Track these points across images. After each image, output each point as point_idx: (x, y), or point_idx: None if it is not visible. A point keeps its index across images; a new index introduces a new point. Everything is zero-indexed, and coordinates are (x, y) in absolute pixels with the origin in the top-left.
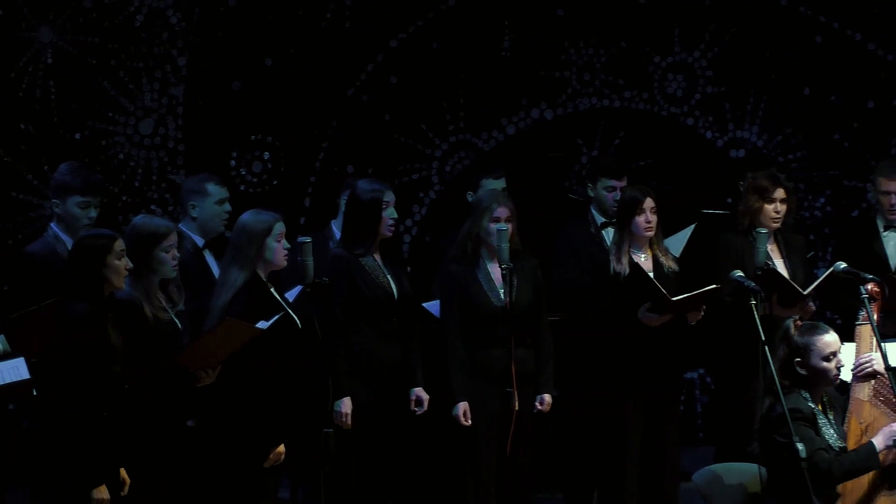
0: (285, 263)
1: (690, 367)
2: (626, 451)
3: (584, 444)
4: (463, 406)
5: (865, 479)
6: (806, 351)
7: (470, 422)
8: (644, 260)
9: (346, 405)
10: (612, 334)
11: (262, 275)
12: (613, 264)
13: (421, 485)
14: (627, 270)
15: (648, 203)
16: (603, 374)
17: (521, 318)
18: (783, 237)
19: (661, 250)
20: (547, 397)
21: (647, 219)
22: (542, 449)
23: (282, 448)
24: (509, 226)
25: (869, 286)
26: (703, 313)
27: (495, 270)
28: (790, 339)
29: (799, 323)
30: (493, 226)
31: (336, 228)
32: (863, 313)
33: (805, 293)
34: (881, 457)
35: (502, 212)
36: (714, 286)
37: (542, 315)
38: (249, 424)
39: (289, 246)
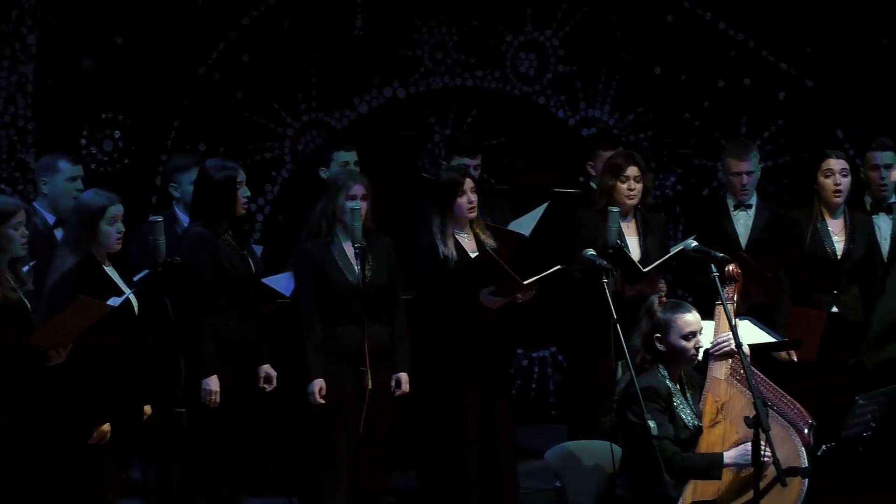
0: (118, 247)
1: (536, 346)
2: (465, 433)
3: (429, 426)
4: (318, 384)
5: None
6: (666, 328)
7: (323, 400)
8: (467, 240)
9: (213, 383)
10: (447, 316)
11: (98, 255)
12: (441, 248)
13: (278, 465)
14: (454, 253)
15: (468, 184)
16: (440, 356)
17: (376, 297)
18: (642, 216)
19: (481, 229)
20: (403, 376)
21: (468, 199)
22: (396, 428)
23: (107, 427)
24: (364, 204)
25: (731, 267)
26: (534, 292)
27: (350, 248)
28: (653, 315)
29: (664, 300)
30: (348, 204)
31: (179, 211)
32: (724, 292)
33: (644, 271)
34: (726, 472)
35: (358, 189)
36: (560, 266)
37: (397, 293)
38: (73, 402)
39: (123, 230)
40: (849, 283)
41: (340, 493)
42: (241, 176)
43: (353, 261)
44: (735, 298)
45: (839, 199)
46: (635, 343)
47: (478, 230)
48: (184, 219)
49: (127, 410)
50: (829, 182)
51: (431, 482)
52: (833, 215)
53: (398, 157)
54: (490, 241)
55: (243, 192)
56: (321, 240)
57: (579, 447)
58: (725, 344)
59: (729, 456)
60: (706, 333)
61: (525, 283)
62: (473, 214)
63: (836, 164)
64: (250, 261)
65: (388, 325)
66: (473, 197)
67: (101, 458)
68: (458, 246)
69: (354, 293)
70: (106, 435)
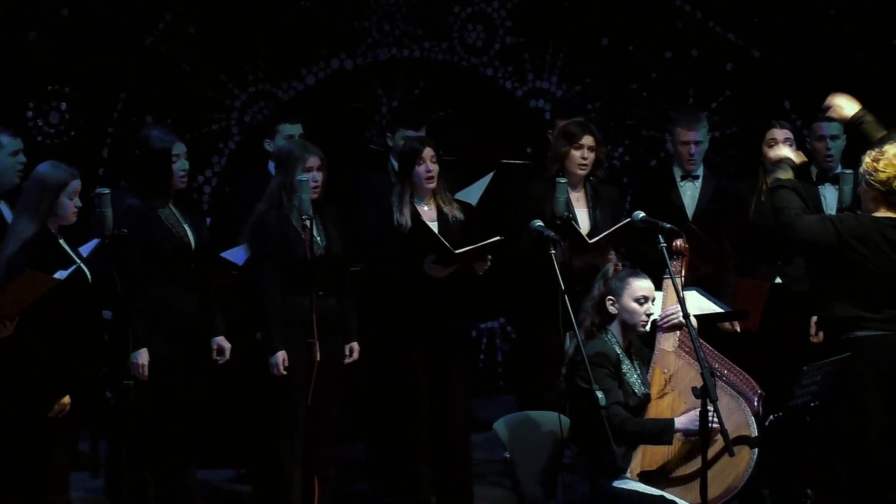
0: (74, 220)
1: (485, 317)
2: (416, 402)
3: (379, 395)
4: (281, 356)
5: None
6: (619, 291)
7: (286, 372)
8: (428, 210)
9: (142, 356)
10: (399, 286)
11: (52, 227)
12: (396, 216)
13: (228, 437)
14: (409, 222)
15: (428, 152)
16: (392, 325)
17: (333, 268)
18: (592, 188)
19: (445, 199)
20: (355, 345)
21: (427, 168)
22: (347, 398)
23: (67, 399)
24: (320, 175)
25: (678, 242)
26: (489, 264)
27: (309, 221)
28: (607, 281)
29: (619, 267)
30: (300, 176)
31: None
32: (672, 265)
33: (590, 242)
34: (676, 437)
35: (314, 161)
36: (498, 238)
37: (347, 264)
38: (33, 375)
39: (80, 205)
40: (793, 254)
41: (292, 463)
42: (178, 149)
43: (315, 232)
44: (683, 273)
45: None
46: (587, 306)
47: (440, 201)
48: None
49: (78, 383)
50: (773, 152)
51: (380, 453)
52: None
53: (346, 129)
54: (457, 214)
55: (180, 165)
56: (281, 212)
57: (527, 418)
58: (674, 316)
59: (680, 421)
60: (656, 305)
61: (457, 252)
62: (432, 184)
63: (780, 133)
64: (189, 233)
65: (340, 296)
66: (433, 166)
67: (52, 432)
68: (415, 215)
69: (316, 264)
70: (66, 407)
